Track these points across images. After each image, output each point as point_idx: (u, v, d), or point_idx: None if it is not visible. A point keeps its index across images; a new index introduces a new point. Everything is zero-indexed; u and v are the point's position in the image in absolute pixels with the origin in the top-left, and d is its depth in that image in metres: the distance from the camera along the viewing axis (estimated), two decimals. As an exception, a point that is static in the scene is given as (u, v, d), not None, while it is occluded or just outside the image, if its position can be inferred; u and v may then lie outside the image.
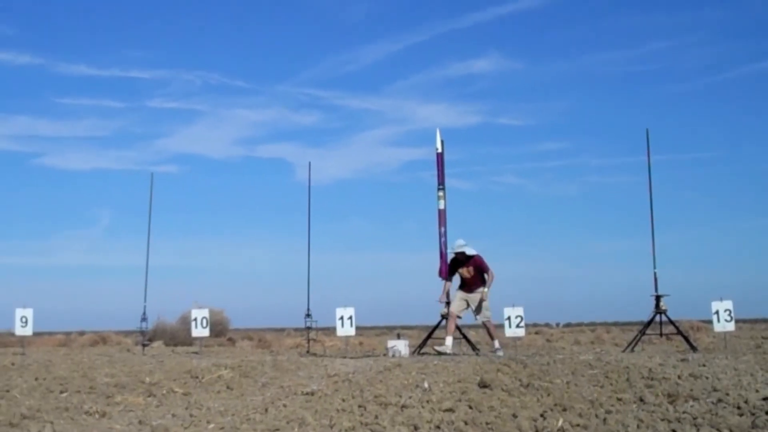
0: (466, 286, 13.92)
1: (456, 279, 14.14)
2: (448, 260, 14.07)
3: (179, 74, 55.41)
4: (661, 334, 14.43)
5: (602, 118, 55.03)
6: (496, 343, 13.62)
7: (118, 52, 55.77)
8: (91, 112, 54.21)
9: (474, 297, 13.79)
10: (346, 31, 58.41)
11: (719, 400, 5.53)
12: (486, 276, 13.78)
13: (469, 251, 13.80)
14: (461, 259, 13.86)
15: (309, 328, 15.74)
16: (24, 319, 15.78)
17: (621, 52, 55.98)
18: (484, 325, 13.99)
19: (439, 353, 13.10)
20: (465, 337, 14.38)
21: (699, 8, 55.11)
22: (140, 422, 5.58)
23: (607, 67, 55.78)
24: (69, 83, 53.39)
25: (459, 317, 13.88)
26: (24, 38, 53.00)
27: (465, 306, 13.87)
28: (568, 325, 40.56)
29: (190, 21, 56.56)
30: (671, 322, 14.02)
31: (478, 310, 13.77)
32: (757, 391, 6.05)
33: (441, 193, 14.54)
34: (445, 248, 14.26)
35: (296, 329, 25.58)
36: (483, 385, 6.82)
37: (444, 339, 13.54)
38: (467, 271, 13.83)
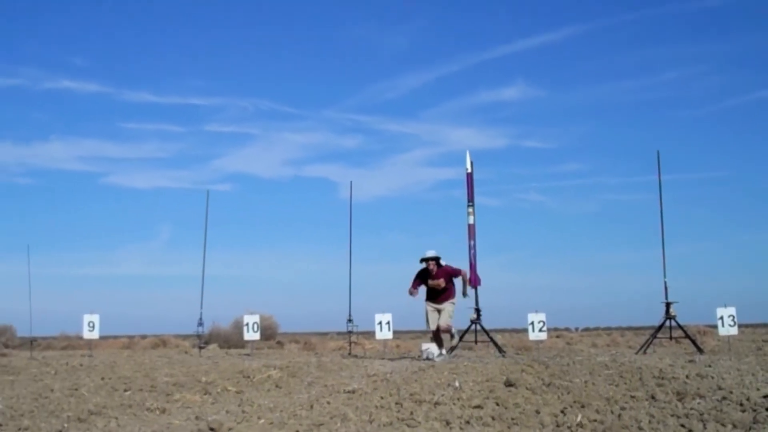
0: (436, 297, 12.72)
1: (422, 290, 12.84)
2: (417, 271, 12.69)
3: (234, 101, 55.64)
4: (670, 338, 14.33)
5: (618, 141, 54.48)
6: (443, 350, 12.78)
7: (179, 80, 56.16)
8: (154, 136, 54.60)
9: (441, 307, 12.68)
10: (386, 62, 58.40)
11: (724, 398, 5.50)
12: (460, 279, 12.79)
13: (441, 260, 12.59)
14: (431, 270, 12.54)
15: (350, 332, 15.75)
16: (91, 324, 15.96)
17: (635, 81, 55.41)
18: (440, 331, 12.68)
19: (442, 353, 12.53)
20: (492, 340, 14.33)
21: (706, 41, 54.44)
22: (197, 418, 5.60)
23: (622, 95, 55.26)
24: (134, 109, 53.85)
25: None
26: (93, 68, 53.53)
27: (438, 316, 12.69)
28: (586, 329, 40.06)
29: (244, 53, 56.93)
30: (680, 326, 13.91)
31: (445, 315, 12.66)
32: (758, 389, 5.99)
33: (471, 210, 14.54)
34: (475, 260, 14.25)
35: (339, 333, 25.61)
36: (509, 384, 6.81)
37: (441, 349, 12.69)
38: (438, 284, 12.55)
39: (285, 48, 57.14)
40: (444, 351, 12.75)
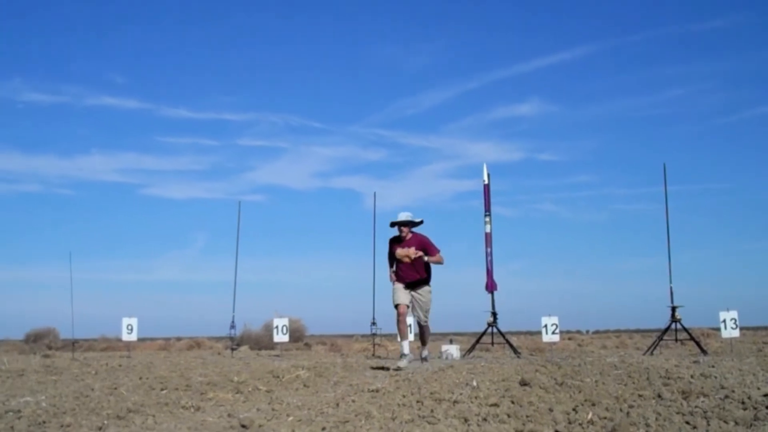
0: (407, 274, 10.12)
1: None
2: (389, 240, 10.36)
3: (266, 116, 55.78)
4: (676, 340, 14.25)
5: (626, 154, 54.16)
6: (426, 351, 10.65)
7: (214, 97, 56.44)
8: (189, 149, 54.81)
9: (418, 296, 10.14)
10: (409, 80, 58.40)
11: (726, 397, 5.48)
12: (432, 258, 10.05)
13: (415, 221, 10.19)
14: (403, 236, 10.11)
15: (374, 335, 15.77)
16: (130, 327, 16.05)
17: (643, 98, 55.09)
18: (420, 327, 10.42)
19: (399, 368, 9.49)
20: (508, 342, 14.30)
21: (710, 60, 54.12)
22: (229, 415, 5.59)
23: (631, 111, 54.90)
24: (171, 124, 54.07)
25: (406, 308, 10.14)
26: (133, 86, 53.87)
27: (410, 299, 10.12)
28: (596, 331, 39.66)
29: (275, 71, 57.16)
30: (685, 329, 13.83)
31: (422, 309, 10.21)
32: (758, 388, 5.96)
33: (487, 219, 14.53)
34: (492, 266, 14.25)
35: (363, 335, 25.57)
36: (523, 383, 6.81)
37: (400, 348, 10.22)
38: (407, 253, 9.96)
39: (314, 66, 57.34)
40: (407, 353, 10.00)
